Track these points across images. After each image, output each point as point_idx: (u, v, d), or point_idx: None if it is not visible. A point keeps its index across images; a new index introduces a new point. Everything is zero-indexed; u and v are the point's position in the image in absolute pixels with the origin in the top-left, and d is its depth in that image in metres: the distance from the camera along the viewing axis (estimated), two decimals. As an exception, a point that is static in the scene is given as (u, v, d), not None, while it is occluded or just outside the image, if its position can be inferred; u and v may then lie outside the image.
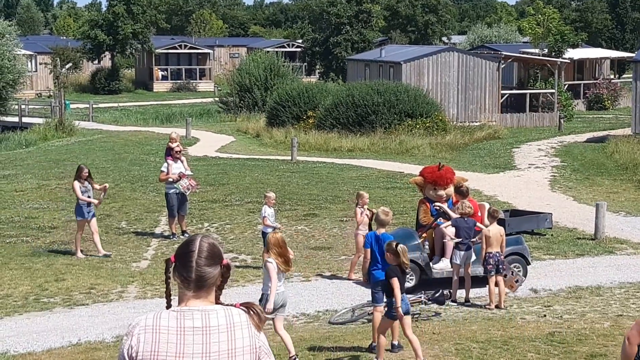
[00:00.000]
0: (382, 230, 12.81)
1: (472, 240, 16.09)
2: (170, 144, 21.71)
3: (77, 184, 19.55)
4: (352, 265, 17.77)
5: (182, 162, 21.50)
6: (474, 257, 16.29)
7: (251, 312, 4.56)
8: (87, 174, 19.64)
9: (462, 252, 16.04)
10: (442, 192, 17.23)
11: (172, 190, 21.13)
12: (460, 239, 16.03)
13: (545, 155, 36.06)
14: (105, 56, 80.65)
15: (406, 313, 11.78)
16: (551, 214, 22.00)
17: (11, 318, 15.24)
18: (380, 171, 31.51)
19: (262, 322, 4.58)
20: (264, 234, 18.10)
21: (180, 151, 21.69)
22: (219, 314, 4.46)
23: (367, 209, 17.46)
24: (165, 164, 21.42)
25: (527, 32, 67.09)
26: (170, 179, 21.07)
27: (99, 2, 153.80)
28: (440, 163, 18.33)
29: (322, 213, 24.01)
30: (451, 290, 15.92)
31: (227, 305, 4.53)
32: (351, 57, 62.32)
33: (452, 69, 46.20)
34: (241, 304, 4.58)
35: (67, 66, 77.67)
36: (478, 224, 16.31)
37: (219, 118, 53.03)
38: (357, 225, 17.68)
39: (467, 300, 15.97)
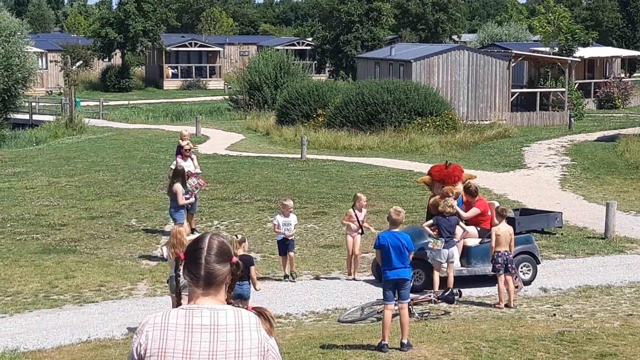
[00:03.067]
0: (396, 229, 12.78)
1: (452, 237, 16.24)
2: (180, 141, 21.73)
3: (179, 186, 19.10)
4: (350, 265, 17.68)
5: (192, 160, 21.52)
6: (453, 258, 16.32)
7: (262, 317, 4.56)
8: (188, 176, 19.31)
9: (445, 250, 16.09)
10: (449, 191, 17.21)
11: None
12: (442, 238, 16.09)
13: (555, 154, 35.98)
14: (115, 54, 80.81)
15: (239, 297, 12.95)
16: (561, 212, 21.95)
17: (21, 315, 15.28)
18: (390, 169, 31.48)
19: (274, 327, 4.59)
20: (278, 242, 17.72)
21: (190, 149, 21.67)
22: (228, 313, 4.46)
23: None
24: (175, 162, 21.44)
25: (537, 30, 66.95)
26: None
27: (109, 0, 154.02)
28: (447, 161, 18.30)
29: (332, 211, 24.01)
30: (460, 289, 15.92)
31: (238, 307, 4.54)
32: (361, 55, 62.29)
33: (462, 68, 46.12)
34: (253, 308, 4.58)
35: (78, 64, 77.75)
36: (461, 223, 16.42)
37: (228, 116, 53.08)
38: (349, 227, 17.49)
39: (436, 292, 16.09)
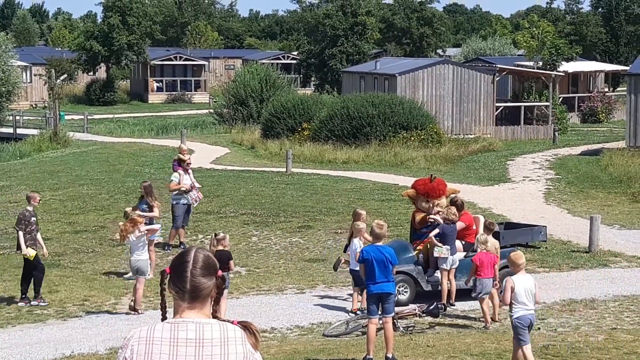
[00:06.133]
0: (379, 243, 12.80)
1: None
2: (181, 155, 22.12)
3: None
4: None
5: (189, 174, 21.80)
6: (456, 263, 16.43)
7: (248, 331, 4.55)
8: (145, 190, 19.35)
9: (450, 257, 16.17)
10: (434, 206, 17.22)
11: (181, 201, 21.40)
12: (449, 246, 16.18)
13: (539, 168, 36.09)
14: (100, 67, 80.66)
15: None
16: (545, 226, 22.02)
17: (4, 330, 15.19)
18: (375, 183, 31.50)
19: (259, 341, 4.59)
20: (353, 272, 15.76)
21: (190, 164, 22.10)
22: (214, 327, 4.45)
23: None
24: (176, 174, 21.66)
25: (521, 45, 67.29)
26: (183, 189, 21.33)
27: (94, 13, 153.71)
28: (432, 175, 18.35)
29: (317, 225, 24.00)
30: (445, 303, 15.93)
31: (224, 320, 4.53)
32: (346, 69, 62.39)
33: (447, 82, 46.27)
34: (239, 322, 4.57)
35: (62, 77, 77.58)
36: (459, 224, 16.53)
37: (213, 130, 53.03)
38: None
39: (452, 304, 16.11)
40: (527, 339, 11.47)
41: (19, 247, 16.85)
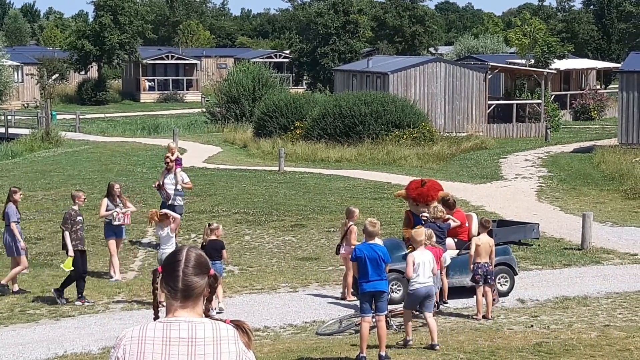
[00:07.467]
0: (372, 241, 12.79)
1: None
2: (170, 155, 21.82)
3: (105, 201, 18.94)
4: (349, 286, 17.23)
5: (175, 174, 21.22)
6: (448, 261, 16.38)
7: (240, 330, 4.54)
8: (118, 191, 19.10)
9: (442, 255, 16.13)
10: (424, 209, 17.09)
11: (162, 201, 21.37)
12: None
13: (532, 166, 36.14)
14: (92, 67, 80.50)
15: None
16: (538, 224, 22.05)
17: (-3, 330, 15.15)
18: (368, 182, 31.51)
19: (252, 340, 4.57)
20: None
21: (170, 162, 21.43)
22: (206, 326, 4.44)
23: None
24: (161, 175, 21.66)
25: (513, 42, 67.31)
26: (153, 185, 21.53)
27: (85, 12, 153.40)
28: (422, 180, 18.15)
29: (310, 224, 23.99)
30: (438, 301, 15.93)
31: (216, 319, 4.52)
32: (338, 68, 62.37)
33: (439, 80, 46.28)
34: (231, 321, 4.55)
35: (54, 77, 77.53)
36: (452, 222, 16.45)
37: (206, 129, 52.97)
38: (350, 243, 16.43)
39: (445, 301, 16.09)
40: (411, 307, 13.46)
41: (64, 247, 16.88)
